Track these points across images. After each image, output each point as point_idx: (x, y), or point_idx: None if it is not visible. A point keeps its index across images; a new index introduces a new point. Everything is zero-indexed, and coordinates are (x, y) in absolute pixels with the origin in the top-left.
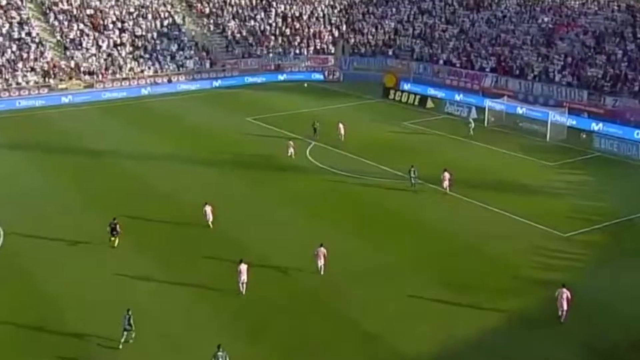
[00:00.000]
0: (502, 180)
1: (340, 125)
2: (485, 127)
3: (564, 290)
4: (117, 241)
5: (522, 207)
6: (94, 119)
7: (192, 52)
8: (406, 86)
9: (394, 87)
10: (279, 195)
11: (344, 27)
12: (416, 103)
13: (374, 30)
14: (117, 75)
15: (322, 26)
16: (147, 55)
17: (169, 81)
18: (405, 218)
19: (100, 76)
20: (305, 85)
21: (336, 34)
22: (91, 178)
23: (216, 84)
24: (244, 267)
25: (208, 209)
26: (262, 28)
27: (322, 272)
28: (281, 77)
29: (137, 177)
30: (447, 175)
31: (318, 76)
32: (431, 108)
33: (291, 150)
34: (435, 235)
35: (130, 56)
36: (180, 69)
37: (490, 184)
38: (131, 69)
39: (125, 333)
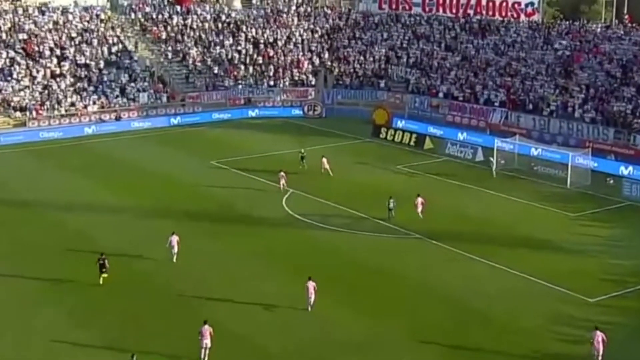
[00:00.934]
0: (514, 234)
1: (324, 160)
2: (493, 172)
3: (598, 332)
4: (103, 277)
5: (539, 266)
6: (25, 163)
7: (146, 83)
8: (400, 123)
9: (386, 125)
10: (250, 253)
11: (327, 55)
12: (412, 143)
13: (361, 58)
14: (55, 112)
15: (301, 53)
16: (91, 88)
17: (118, 118)
18: (401, 279)
19: (34, 113)
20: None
21: (317, 62)
22: (17, 233)
23: (174, 121)
24: (206, 329)
25: (174, 239)
26: (229, 56)
27: (309, 309)
28: (252, 113)
29: (77, 232)
30: (420, 200)
31: (296, 112)
32: (429, 149)
33: (283, 182)
34: (435, 299)
35: (72, 89)
36: (132, 103)
37: (500, 239)
38: (72, 104)
39: None
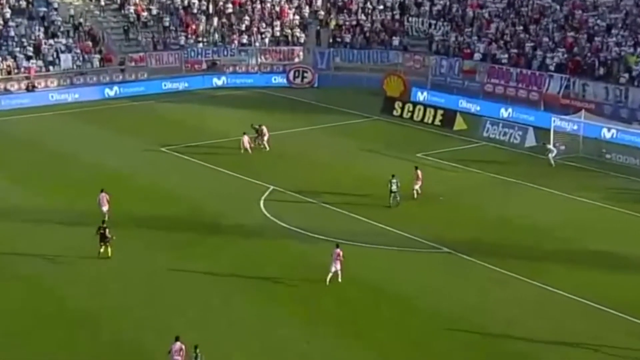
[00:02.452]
0: (579, 247)
1: (264, 129)
2: (551, 161)
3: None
4: (109, 250)
5: (615, 291)
6: None
7: (70, 40)
8: (421, 96)
9: (401, 98)
10: (213, 274)
11: (320, 2)
12: (437, 122)
13: (368, 6)
14: None
15: (285, 0)
16: None
17: (31, 88)
18: (429, 313)
19: None
20: None
21: (307, 12)
22: None
23: (110, 92)
24: (178, 346)
25: (104, 197)
26: (185, 2)
27: (339, 279)
28: (218, 82)
29: None
30: (419, 174)
31: (278, 80)
32: (461, 130)
33: (246, 144)
34: (473, 337)
35: None
36: (51, 68)
37: (560, 254)
38: None
39: None
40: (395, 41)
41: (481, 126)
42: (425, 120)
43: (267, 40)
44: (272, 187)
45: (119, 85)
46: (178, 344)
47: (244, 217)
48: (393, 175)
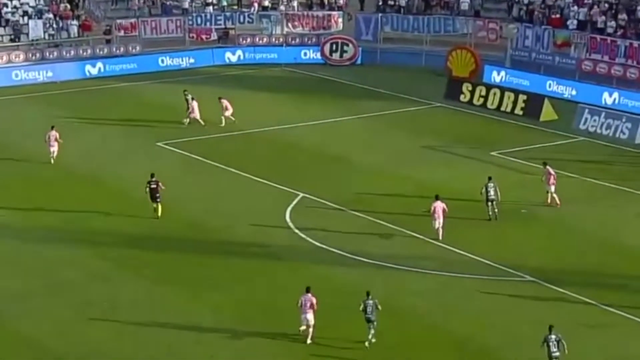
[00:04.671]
0: None
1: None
2: None
3: None
4: (160, 209)
5: None
6: None
7: (41, 2)
8: (497, 76)
9: (471, 79)
10: (229, 312)
11: None
12: (518, 111)
13: None
14: None
15: None
16: None
17: None
18: None
19: None
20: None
21: None
22: None
23: (93, 70)
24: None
25: (53, 134)
26: None
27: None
28: (232, 58)
29: None
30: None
31: (311, 55)
32: (550, 121)
33: (228, 113)
34: None
35: None
36: (17, 39)
37: None
38: None
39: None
40: (464, 4)
41: (577, 116)
42: (503, 108)
43: (295, 4)
44: (301, 195)
45: (104, 60)
46: (309, 295)
47: (264, 233)
48: (490, 178)
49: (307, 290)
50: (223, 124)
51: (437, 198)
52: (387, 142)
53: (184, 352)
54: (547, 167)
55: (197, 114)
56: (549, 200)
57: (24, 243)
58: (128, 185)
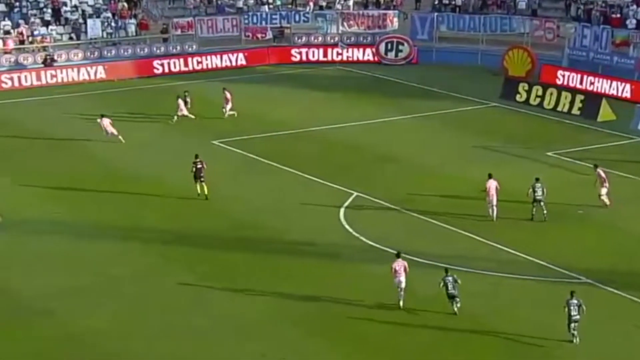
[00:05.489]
0: None
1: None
2: None
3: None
4: (206, 188)
5: None
6: None
7: (100, 1)
8: (554, 75)
9: (528, 78)
10: (283, 312)
11: None
12: (575, 111)
13: None
14: None
15: None
16: (0, 9)
17: (48, 62)
18: None
19: None
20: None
21: None
22: None
23: (150, 68)
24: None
25: (105, 121)
26: None
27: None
28: (286, 57)
29: None
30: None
31: (366, 55)
32: (608, 122)
33: (228, 107)
34: None
35: None
36: (74, 37)
37: None
38: None
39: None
40: (522, 3)
41: (635, 117)
42: (560, 108)
43: (351, 3)
44: (355, 194)
45: (161, 60)
46: (400, 260)
47: (317, 232)
48: (537, 179)
49: (398, 256)
50: (226, 116)
51: (490, 177)
52: (442, 142)
53: (233, 350)
54: (598, 169)
55: (184, 111)
56: (605, 202)
57: (75, 239)
58: (181, 183)
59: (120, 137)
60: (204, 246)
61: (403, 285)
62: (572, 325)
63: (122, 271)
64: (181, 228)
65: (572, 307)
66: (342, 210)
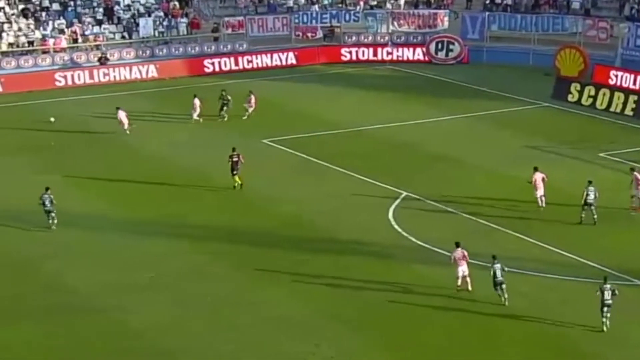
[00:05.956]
0: None
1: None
2: None
3: None
4: (239, 180)
5: None
6: None
7: (152, 1)
8: (607, 76)
9: (580, 78)
10: (338, 312)
11: None
12: (628, 111)
13: None
14: None
15: None
16: (55, 8)
17: (103, 60)
18: None
19: None
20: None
21: None
22: None
23: (201, 67)
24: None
25: (122, 113)
26: None
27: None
28: (336, 56)
29: (27, 261)
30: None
31: (416, 54)
32: None
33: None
34: None
35: (18, 10)
36: (126, 36)
37: None
38: (18, 35)
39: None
40: (575, 3)
41: None
42: (612, 108)
43: (402, 2)
44: (404, 193)
45: (212, 59)
46: (459, 250)
47: (366, 231)
48: (590, 182)
49: (457, 245)
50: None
51: (536, 170)
52: (492, 142)
53: (282, 347)
54: (635, 172)
55: (196, 113)
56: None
57: (123, 236)
58: (230, 182)
59: (128, 129)
60: (252, 244)
61: (467, 272)
62: (605, 309)
63: (173, 268)
64: (230, 226)
65: (605, 292)
66: (391, 210)
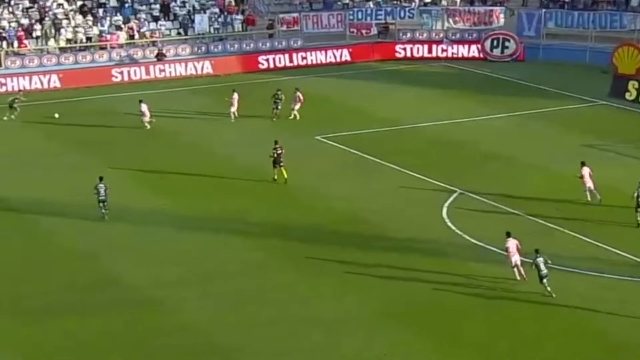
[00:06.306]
0: None
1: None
2: None
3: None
4: (285, 172)
5: None
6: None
7: None
8: None
9: (637, 76)
10: (390, 311)
11: None
12: None
13: None
14: (50, 44)
15: None
16: (112, 4)
17: (160, 57)
18: None
19: (15, 44)
20: None
21: None
22: None
23: (255, 63)
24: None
25: (144, 106)
26: None
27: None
28: (390, 53)
29: (89, 255)
30: (587, 170)
31: (471, 51)
32: None
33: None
34: None
35: (76, 6)
36: (182, 32)
37: None
38: (75, 32)
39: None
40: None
41: None
42: None
43: None
44: (458, 191)
45: (267, 56)
46: (512, 239)
47: (419, 229)
48: None
49: (509, 235)
50: (292, 117)
51: (583, 164)
52: (547, 140)
53: (333, 344)
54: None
55: (233, 108)
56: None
57: (179, 230)
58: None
59: (148, 122)
60: (305, 240)
61: (519, 262)
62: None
63: (226, 263)
64: (283, 222)
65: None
66: (445, 208)
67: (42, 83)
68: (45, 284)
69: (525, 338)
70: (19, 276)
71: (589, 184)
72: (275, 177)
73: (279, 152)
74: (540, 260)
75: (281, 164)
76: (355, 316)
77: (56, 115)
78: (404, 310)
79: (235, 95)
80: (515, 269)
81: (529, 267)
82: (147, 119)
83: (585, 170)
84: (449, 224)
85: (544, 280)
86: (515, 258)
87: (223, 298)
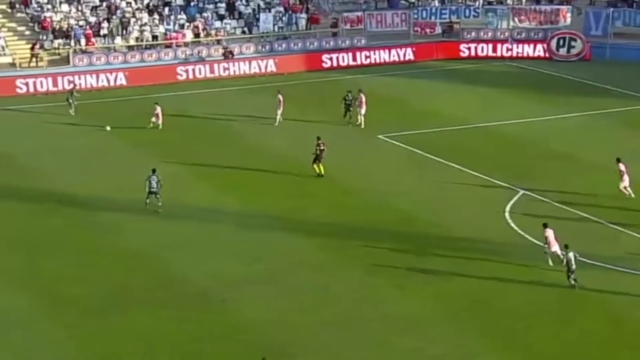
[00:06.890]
0: None
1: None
2: None
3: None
4: (322, 167)
5: None
6: (38, 129)
7: None
8: None
9: None
10: (451, 310)
11: None
12: None
13: None
14: (118, 42)
15: None
16: (177, 3)
17: (227, 55)
18: None
19: (83, 42)
20: None
21: None
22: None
23: (318, 62)
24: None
25: (158, 109)
26: None
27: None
28: (455, 52)
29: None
30: (623, 167)
31: (537, 51)
32: None
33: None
34: None
35: (143, 5)
36: (247, 30)
37: None
38: (143, 30)
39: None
40: None
41: None
42: None
43: None
44: (521, 192)
45: (331, 54)
46: (550, 229)
47: (481, 229)
48: None
49: (546, 226)
50: (358, 122)
51: (619, 161)
52: (614, 141)
53: (392, 344)
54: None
55: (279, 110)
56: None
57: (242, 229)
58: (345, 177)
59: (156, 124)
60: (367, 240)
61: (559, 251)
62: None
63: (288, 262)
64: (345, 221)
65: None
66: (507, 208)
67: (108, 81)
68: (107, 281)
69: (596, 346)
70: (81, 273)
71: (627, 181)
72: (317, 171)
73: (322, 148)
74: (571, 255)
75: (322, 159)
76: (416, 315)
77: (108, 128)
78: (465, 310)
79: (280, 97)
80: (549, 258)
81: (606, 273)
82: (159, 121)
83: (622, 167)
84: (512, 224)
85: (572, 276)
86: (556, 248)
87: (282, 296)
